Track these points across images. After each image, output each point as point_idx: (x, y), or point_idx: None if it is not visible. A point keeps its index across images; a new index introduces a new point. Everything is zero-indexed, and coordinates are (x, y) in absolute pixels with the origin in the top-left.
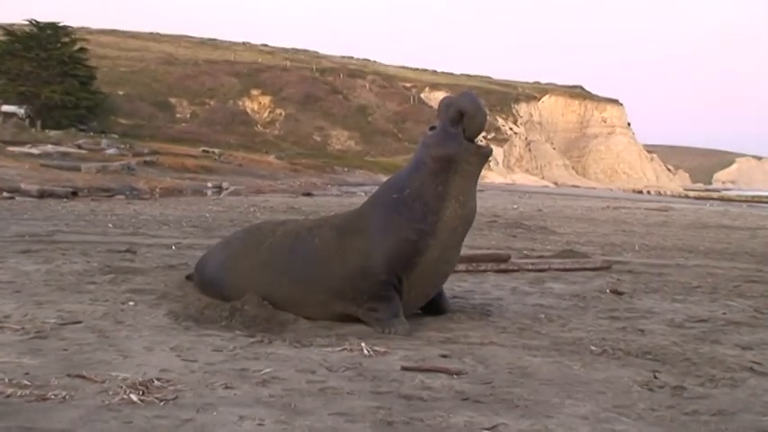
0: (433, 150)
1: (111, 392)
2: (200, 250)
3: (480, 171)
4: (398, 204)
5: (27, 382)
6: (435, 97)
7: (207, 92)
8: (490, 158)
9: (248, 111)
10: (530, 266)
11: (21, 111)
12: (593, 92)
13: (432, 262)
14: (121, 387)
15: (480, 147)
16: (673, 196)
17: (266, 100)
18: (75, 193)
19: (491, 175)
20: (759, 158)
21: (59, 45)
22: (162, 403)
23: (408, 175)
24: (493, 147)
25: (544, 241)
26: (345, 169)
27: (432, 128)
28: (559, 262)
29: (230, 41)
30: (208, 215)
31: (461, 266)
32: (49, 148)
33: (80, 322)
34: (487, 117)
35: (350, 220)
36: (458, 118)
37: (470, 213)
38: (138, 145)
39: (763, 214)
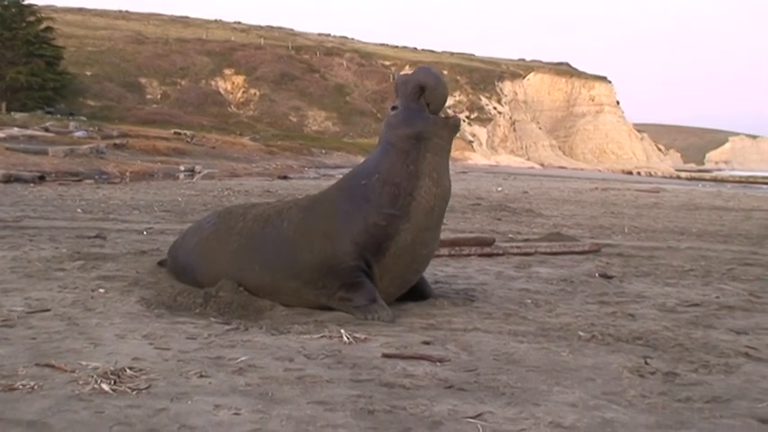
0: (399, 130)
1: (81, 382)
2: (173, 235)
3: (451, 145)
4: (366, 190)
5: None
6: None
7: (178, 71)
8: (472, 139)
9: (221, 91)
10: (515, 250)
11: None
12: (581, 69)
13: (406, 246)
14: (92, 376)
15: (448, 118)
16: (664, 177)
17: (240, 79)
18: (42, 178)
19: (474, 157)
20: (754, 137)
21: (24, 24)
22: (134, 393)
23: (377, 160)
24: (477, 127)
25: (530, 224)
26: (323, 151)
27: (394, 107)
28: (546, 245)
29: (202, 19)
30: (180, 199)
31: (444, 251)
32: (15, 131)
33: (48, 310)
34: (448, 89)
35: (317, 202)
36: (418, 93)
37: (445, 191)
38: (107, 127)
39: (757, 195)
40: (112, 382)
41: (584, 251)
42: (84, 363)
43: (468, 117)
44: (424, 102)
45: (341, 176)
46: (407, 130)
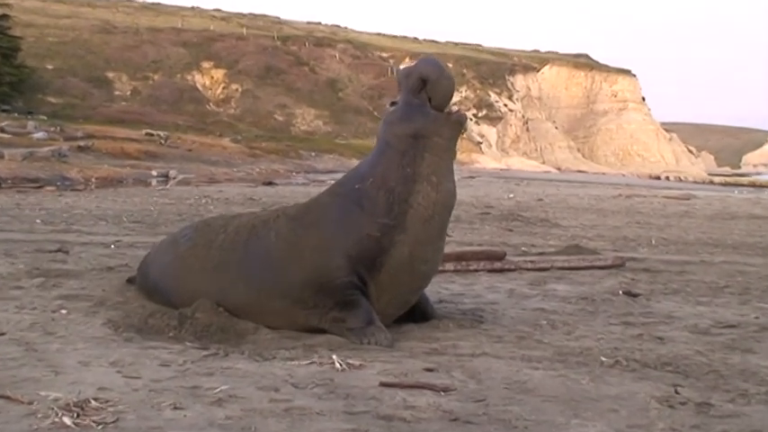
0: (396, 128)
1: (40, 415)
2: (144, 249)
3: (455, 145)
4: (360, 196)
5: None
6: None
7: (150, 65)
8: (480, 140)
9: (199, 86)
10: (529, 265)
11: None
12: (602, 61)
13: (404, 261)
14: (52, 409)
15: (450, 114)
16: (695, 182)
17: (219, 74)
18: None
19: (483, 160)
20: None
21: None
22: (100, 427)
23: (372, 162)
24: (486, 126)
25: (545, 236)
26: (312, 154)
27: (393, 103)
28: (563, 259)
29: (177, 6)
30: (152, 208)
31: (449, 266)
32: None
33: (4, 334)
34: (454, 82)
35: (309, 210)
36: (420, 86)
37: (447, 197)
38: (71, 127)
39: None
40: (75, 414)
41: (607, 266)
42: (43, 393)
43: (475, 115)
44: (426, 96)
45: (333, 182)
46: (405, 127)
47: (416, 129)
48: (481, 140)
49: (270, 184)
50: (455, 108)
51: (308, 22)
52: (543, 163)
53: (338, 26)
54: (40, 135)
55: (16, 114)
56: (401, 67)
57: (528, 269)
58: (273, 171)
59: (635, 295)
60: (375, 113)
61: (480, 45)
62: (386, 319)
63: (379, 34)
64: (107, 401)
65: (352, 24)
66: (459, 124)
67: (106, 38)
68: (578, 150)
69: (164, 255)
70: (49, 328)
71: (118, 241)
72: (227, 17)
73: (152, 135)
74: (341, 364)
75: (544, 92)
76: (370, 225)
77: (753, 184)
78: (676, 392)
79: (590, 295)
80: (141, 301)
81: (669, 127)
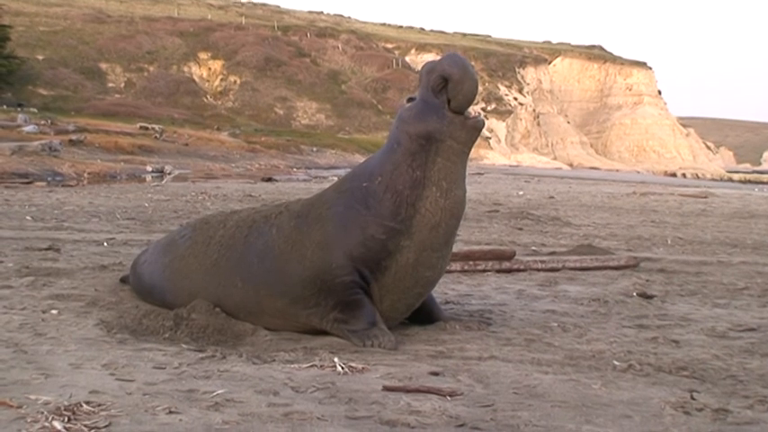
0: (410, 126)
1: (29, 419)
2: (138, 247)
3: (470, 150)
4: (367, 195)
5: None
6: (423, 61)
7: (145, 56)
8: (489, 135)
9: (195, 78)
10: (539, 265)
11: None
12: (616, 53)
13: (408, 266)
14: (42, 413)
15: (468, 118)
16: (713, 180)
17: (217, 65)
18: None
19: (491, 155)
20: None
21: None
22: None
23: (381, 159)
24: (495, 121)
25: (557, 234)
26: (314, 149)
27: (410, 99)
28: (575, 259)
29: None
30: (147, 205)
31: (456, 266)
32: None
33: None
34: (478, 84)
35: (312, 207)
36: (441, 85)
37: (456, 204)
38: (62, 121)
39: None
40: (66, 419)
41: (620, 266)
42: (33, 397)
43: (484, 109)
44: (446, 97)
45: (336, 178)
46: (418, 127)
47: (430, 130)
48: (490, 135)
49: (269, 180)
50: (474, 112)
51: (310, 12)
52: (554, 159)
53: (341, 16)
54: (30, 128)
55: (5, 107)
56: (428, 61)
57: (538, 269)
58: (273, 167)
59: (649, 297)
60: (379, 107)
61: (489, 36)
62: (389, 323)
63: (383, 24)
64: (99, 405)
65: (355, 14)
66: (475, 129)
67: (99, 27)
68: (591, 146)
69: (160, 254)
70: (40, 328)
71: (111, 239)
72: (225, 6)
73: (147, 129)
74: (342, 368)
75: (556, 85)
76: (376, 226)
77: None
78: (692, 398)
79: (603, 297)
80: (135, 301)
81: (686, 122)
